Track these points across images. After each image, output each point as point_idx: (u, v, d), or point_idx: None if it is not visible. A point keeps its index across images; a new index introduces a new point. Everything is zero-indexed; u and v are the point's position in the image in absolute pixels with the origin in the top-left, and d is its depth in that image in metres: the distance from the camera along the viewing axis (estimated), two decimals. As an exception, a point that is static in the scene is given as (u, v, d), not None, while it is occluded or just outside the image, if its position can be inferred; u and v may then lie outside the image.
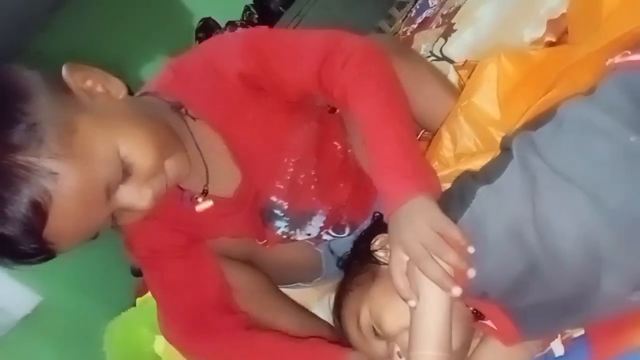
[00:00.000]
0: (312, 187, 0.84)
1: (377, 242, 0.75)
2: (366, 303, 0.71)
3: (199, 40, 2.30)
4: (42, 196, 0.57)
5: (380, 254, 0.73)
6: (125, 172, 0.63)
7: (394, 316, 0.66)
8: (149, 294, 1.21)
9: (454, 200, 0.62)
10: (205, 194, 0.77)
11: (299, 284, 0.97)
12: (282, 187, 0.82)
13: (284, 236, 0.87)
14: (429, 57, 1.20)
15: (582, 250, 0.52)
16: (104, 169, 0.61)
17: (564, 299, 0.57)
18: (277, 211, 0.84)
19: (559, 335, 0.65)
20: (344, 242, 0.91)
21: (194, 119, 0.75)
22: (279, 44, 0.77)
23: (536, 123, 0.62)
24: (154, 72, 0.82)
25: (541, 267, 0.55)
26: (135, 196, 0.64)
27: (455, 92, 0.97)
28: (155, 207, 0.67)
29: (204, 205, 0.77)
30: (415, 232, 0.59)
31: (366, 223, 0.90)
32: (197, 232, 0.81)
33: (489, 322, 0.64)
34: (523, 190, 0.55)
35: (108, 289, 1.64)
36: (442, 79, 0.98)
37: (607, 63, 0.64)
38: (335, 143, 0.87)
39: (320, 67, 0.73)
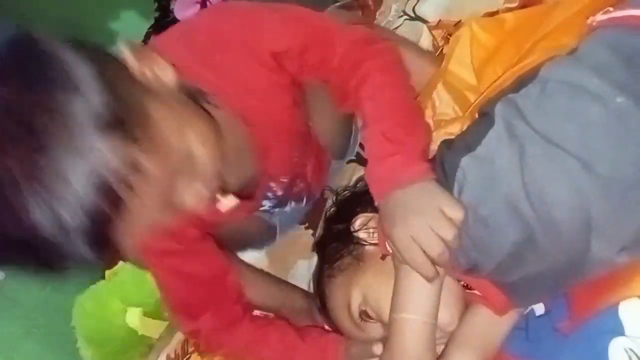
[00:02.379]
0: (306, 181, 0.87)
1: (357, 222, 0.70)
2: (356, 288, 0.67)
3: (158, 2, 2.19)
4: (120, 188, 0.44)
5: (362, 235, 0.69)
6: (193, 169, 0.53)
7: (389, 297, 0.63)
8: (117, 266, 1.18)
9: (437, 176, 0.58)
10: (224, 190, 0.68)
11: (248, 249, 0.97)
12: (284, 180, 0.82)
13: (263, 211, 0.87)
14: (401, 16, 1.17)
15: (577, 218, 0.51)
16: (178, 164, 0.50)
17: (556, 268, 0.56)
18: (268, 193, 0.83)
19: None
20: (289, 215, 0.91)
21: (216, 107, 0.65)
22: (314, 28, 0.71)
23: (518, 85, 0.60)
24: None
25: (536, 237, 0.53)
26: (204, 195, 0.54)
27: (432, 56, 0.96)
28: None
29: (228, 203, 0.68)
30: (425, 214, 0.55)
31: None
32: (205, 225, 0.76)
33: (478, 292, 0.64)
34: (512, 159, 0.53)
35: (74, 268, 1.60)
36: (415, 46, 0.97)
37: (589, 21, 0.62)
38: (310, 123, 0.85)
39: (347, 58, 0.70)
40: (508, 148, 0.53)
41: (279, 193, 0.84)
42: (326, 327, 0.82)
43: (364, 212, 0.70)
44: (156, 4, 2.20)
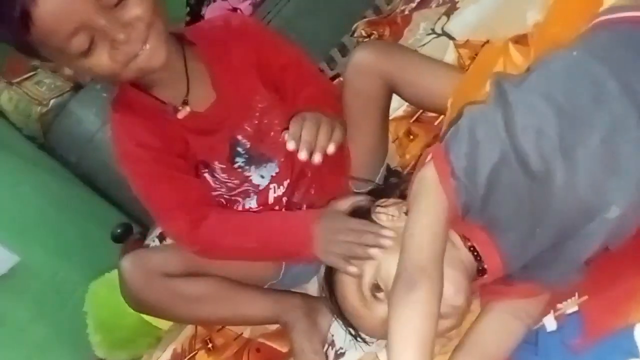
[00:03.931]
0: (272, 134, 0.92)
1: (378, 208, 0.75)
2: (370, 263, 0.70)
3: (190, 7, 2.24)
4: None
5: (382, 217, 0.74)
6: None
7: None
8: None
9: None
10: (185, 103, 0.87)
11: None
12: (249, 129, 0.92)
13: (239, 169, 0.93)
14: (429, 34, 1.20)
15: (536, 142, 0.59)
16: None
17: (529, 200, 0.61)
18: (239, 148, 0.92)
19: (552, 311, 0.66)
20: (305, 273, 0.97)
21: (192, 44, 0.88)
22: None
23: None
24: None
25: (509, 160, 0.60)
26: (136, 11, 0.73)
27: (452, 68, 0.99)
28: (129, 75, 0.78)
29: (183, 112, 0.87)
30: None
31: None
32: (177, 142, 0.89)
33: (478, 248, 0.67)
34: (496, 104, 0.64)
35: (87, 254, 1.62)
36: (436, 61, 1.00)
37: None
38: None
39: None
40: (494, 98, 0.65)
41: (248, 146, 0.92)
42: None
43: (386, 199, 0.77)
44: (188, 9, 2.26)
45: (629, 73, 0.58)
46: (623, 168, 0.57)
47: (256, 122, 0.92)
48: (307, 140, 0.74)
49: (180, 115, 0.88)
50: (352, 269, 0.72)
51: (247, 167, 0.94)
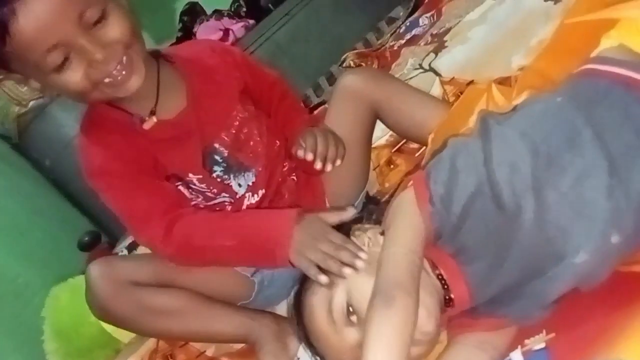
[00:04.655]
0: (251, 143, 0.93)
1: (356, 232, 0.75)
2: (340, 285, 0.70)
3: (182, 23, 2.26)
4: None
5: (357, 240, 0.74)
6: (102, 18, 0.73)
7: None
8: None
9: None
10: (152, 114, 0.86)
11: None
12: (226, 138, 0.92)
13: (219, 179, 0.92)
14: (416, 69, 1.23)
15: (510, 177, 0.61)
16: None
17: (498, 232, 0.62)
18: (217, 157, 0.92)
19: (519, 346, 0.66)
20: (281, 282, 0.95)
21: (169, 62, 0.90)
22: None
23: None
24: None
25: (484, 191, 0.62)
26: (115, 32, 0.74)
27: (438, 101, 1.01)
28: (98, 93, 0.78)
29: (149, 122, 0.86)
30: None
31: None
32: (145, 156, 0.87)
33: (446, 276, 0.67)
34: (479, 137, 0.67)
35: (51, 260, 1.58)
36: (422, 93, 1.02)
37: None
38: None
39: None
40: (478, 132, 0.68)
41: (225, 154, 0.92)
42: None
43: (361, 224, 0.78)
44: (180, 25, 2.27)
45: (603, 126, 0.60)
46: (591, 214, 0.58)
47: (234, 131, 0.92)
48: (322, 152, 0.85)
49: (146, 126, 0.86)
50: (322, 278, 0.71)
51: (225, 177, 0.93)
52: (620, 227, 0.57)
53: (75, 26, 0.71)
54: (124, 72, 0.77)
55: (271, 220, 0.83)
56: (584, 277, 0.59)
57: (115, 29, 0.75)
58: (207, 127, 0.90)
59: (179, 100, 0.89)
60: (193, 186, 0.91)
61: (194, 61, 0.93)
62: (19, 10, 0.68)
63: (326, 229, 0.77)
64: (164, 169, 0.89)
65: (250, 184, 0.94)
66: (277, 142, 0.97)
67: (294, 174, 0.99)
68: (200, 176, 0.91)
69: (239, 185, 0.94)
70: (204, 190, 0.92)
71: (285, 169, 0.98)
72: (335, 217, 0.78)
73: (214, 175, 0.92)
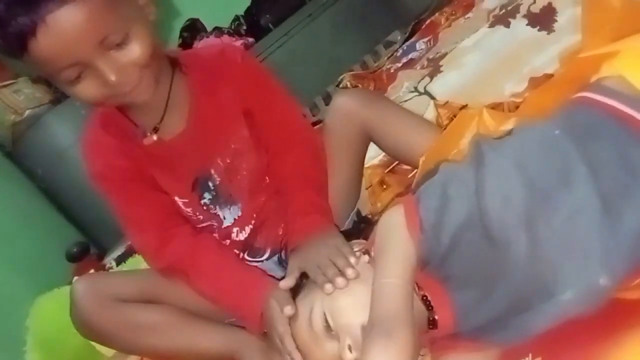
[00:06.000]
0: (239, 177, 0.92)
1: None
2: (319, 300, 0.71)
3: (183, 39, 2.28)
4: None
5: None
6: (123, 42, 0.72)
7: (351, 308, 0.68)
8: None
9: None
10: (155, 131, 0.86)
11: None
12: (221, 164, 0.91)
13: (204, 207, 0.92)
14: (411, 92, 1.24)
15: (502, 208, 0.60)
16: (113, 23, 0.71)
17: (486, 265, 0.61)
18: (210, 183, 0.92)
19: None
20: None
21: (183, 72, 0.88)
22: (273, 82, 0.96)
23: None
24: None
25: (474, 222, 0.61)
26: (134, 55, 0.73)
27: (430, 125, 1.01)
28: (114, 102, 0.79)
29: (149, 139, 0.87)
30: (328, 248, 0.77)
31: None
32: (142, 166, 0.88)
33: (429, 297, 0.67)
34: (472, 164, 0.66)
35: (38, 270, 1.56)
36: (415, 116, 1.02)
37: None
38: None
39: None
40: (471, 158, 0.67)
41: (217, 182, 0.91)
42: None
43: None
44: (180, 40, 2.29)
45: (598, 163, 0.59)
46: (582, 253, 0.57)
47: (228, 160, 0.91)
48: (335, 274, 0.73)
49: (146, 142, 0.86)
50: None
51: (211, 205, 0.93)
52: (609, 269, 0.56)
53: (95, 49, 0.70)
54: (135, 86, 0.76)
55: (247, 292, 0.84)
56: (571, 314, 0.58)
57: (134, 52, 0.73)
58: (205, 151, 0.90)
59: (181, 120, 0.88)
60: (180, 209, 0.92)
61: (205, 74, 0.90)
62: (39, 31, 0.67)
63: (288, 300, 0.77)
64: (158, 183, 0.90)
65: (237, 217, 0.94)
66: (267, 179, 0.95)
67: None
68: (187, 200, 0.91)
69: (224, 218, 0.94)
70: (189, 215, 0.92)
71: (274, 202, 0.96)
72: (288, 282, 0.79)
73: (202, 202, 0.92)
